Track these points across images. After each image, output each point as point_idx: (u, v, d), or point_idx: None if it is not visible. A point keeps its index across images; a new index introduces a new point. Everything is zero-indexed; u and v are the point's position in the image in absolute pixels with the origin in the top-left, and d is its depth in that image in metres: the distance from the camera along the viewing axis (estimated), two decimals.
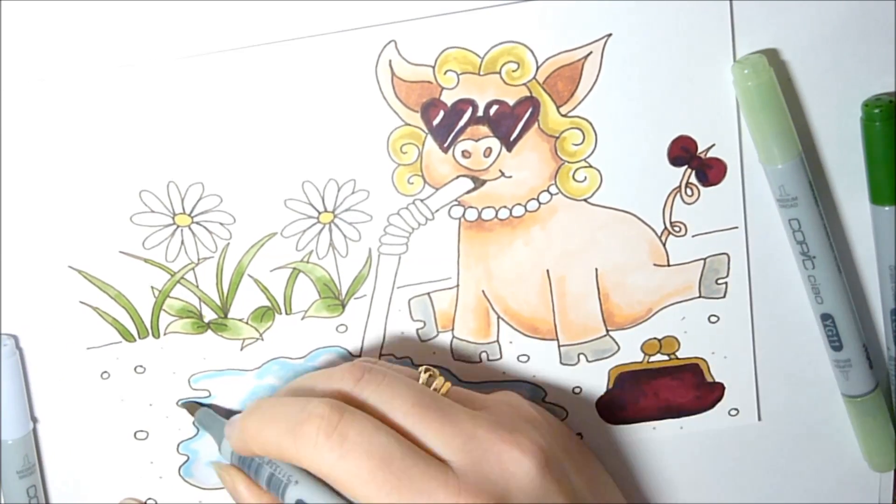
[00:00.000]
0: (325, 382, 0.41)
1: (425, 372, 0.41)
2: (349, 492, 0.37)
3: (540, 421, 0.42)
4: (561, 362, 0.46)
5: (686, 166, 0.44)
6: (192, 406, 0.45)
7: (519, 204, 0.44)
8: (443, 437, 0.39)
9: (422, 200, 0.44)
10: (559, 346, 0.46)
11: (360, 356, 0.45)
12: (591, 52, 0.42)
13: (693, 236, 0.45)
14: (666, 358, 0.47)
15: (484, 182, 0.44)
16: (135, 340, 0.44)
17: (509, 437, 0.39)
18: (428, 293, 0.45)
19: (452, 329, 0.46)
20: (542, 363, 0.46)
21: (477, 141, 0.43)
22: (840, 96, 0.44)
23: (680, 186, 0.44)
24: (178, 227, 0.43)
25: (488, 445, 0.39)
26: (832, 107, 0.44)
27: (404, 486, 0.37)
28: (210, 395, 0.45)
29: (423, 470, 0.37)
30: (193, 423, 0.45)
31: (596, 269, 0.45)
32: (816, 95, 0.44)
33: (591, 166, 0.44)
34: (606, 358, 0.47)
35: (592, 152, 0.44)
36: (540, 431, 0.41)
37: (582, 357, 0.46)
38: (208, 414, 0.45)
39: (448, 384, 0.41)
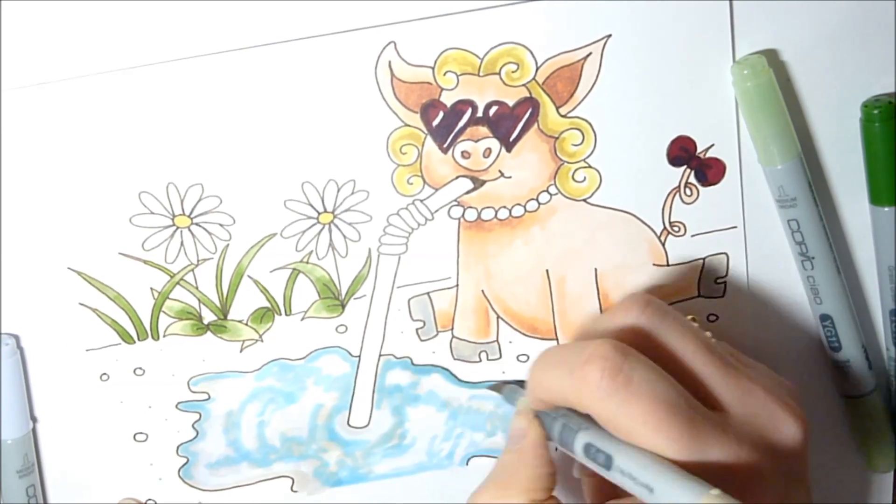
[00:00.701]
0: (609, 319, 0.40)
1: (693, 321, 0.41)
2: (632, 436, 0.36)
3: (797, 393, 0.42)
4: None
5: (685, 166, 0.44)
6: (498, 386, 0.45)
7: (518, 204, 0.44)
8: (726, 383, 0.39)
9: (421, 201, 0.44)
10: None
11: (359, 357, 0.45)
12: (590, 53, 0.42)
13: (692, 236, 0.45)
14: None
15: (483, 182, 0.44)
16: (134, 342, 0.44)
17: (783, 399, 0.39)
18: (427, 293, 0.45)
19: (452, 329, 0.46)
20: None
21: (476, 141, 0.43)
22: (839, 97, 0.44)
23: (679, 186, 0.44)
24: (177, 228, 0.43)
25: (765, 402, 0.39)
26: (831, 108, 0.44)
27: (690, 433, 0.36)
28: (209, 397, 0.45)
29: (706, 419, 0.37)
30: (504, 400, 0.45)
31: (595, 269, 0.45)
32: (816, 96, 0.44)
33: (590, 166, 0.44)
34: None
35: (592, 153, 0.44)
36: (801, 404, 0.40)
37: None
38: (513, 389, 0.44)
39: (708, 334, 0.41)
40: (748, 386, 0.39)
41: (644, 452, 0.36)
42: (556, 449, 0.40)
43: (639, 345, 0.39)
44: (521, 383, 0.43)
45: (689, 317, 0.42)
